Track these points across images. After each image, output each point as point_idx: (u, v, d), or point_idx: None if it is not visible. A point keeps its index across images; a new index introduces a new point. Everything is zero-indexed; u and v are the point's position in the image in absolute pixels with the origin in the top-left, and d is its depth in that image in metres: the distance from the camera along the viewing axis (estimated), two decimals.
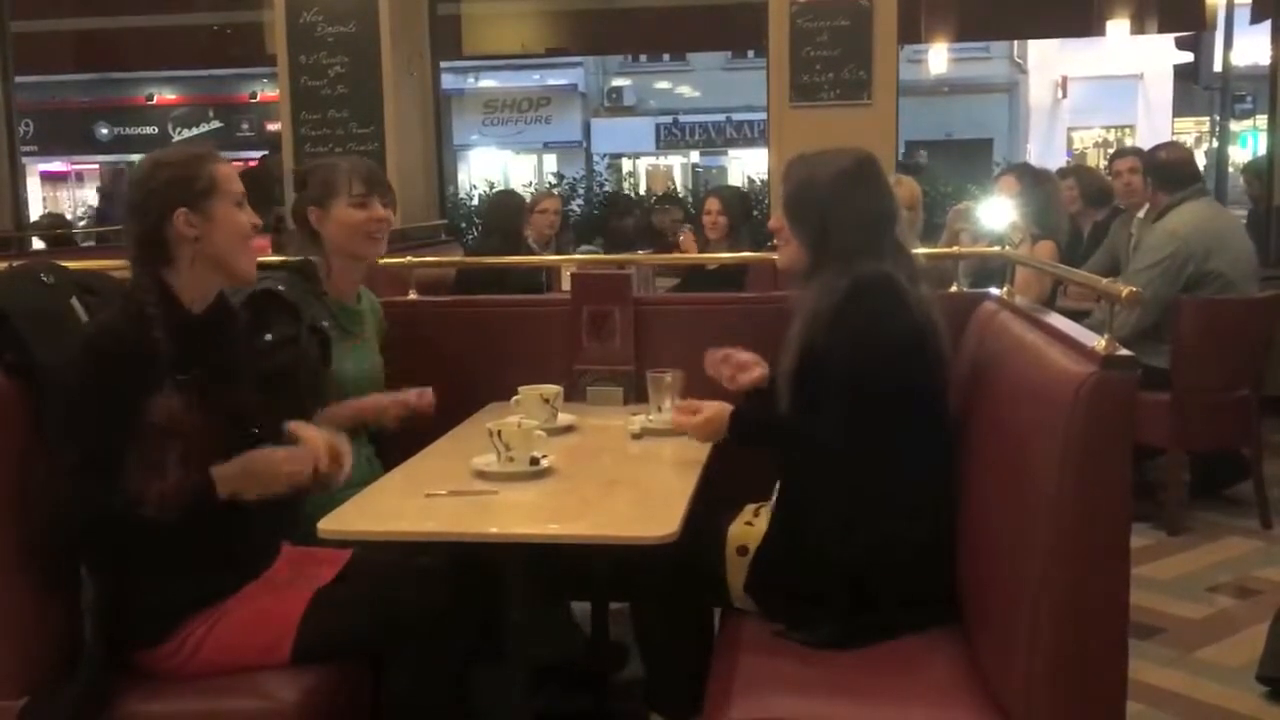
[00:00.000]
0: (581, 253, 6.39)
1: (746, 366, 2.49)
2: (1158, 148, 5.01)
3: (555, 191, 8.62)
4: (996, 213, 4.83)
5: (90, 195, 20.93)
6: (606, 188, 11.19)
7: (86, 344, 2.02)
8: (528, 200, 6.17)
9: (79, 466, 1.94)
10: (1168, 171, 4.62)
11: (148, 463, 1.92)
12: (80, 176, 21.90)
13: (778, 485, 2.38)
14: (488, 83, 20.66)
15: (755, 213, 6.68)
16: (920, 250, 3.49)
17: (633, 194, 11.06)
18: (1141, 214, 5.16)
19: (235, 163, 2.35)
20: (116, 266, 2.35)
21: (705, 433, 2.32)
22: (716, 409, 2.31)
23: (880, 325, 2.18)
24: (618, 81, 21.38)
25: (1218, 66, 11.22)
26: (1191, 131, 18.30)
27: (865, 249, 2.25)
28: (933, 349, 2.22)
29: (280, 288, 2.46)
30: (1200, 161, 6.17)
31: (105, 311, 2.13)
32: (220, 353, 2.13)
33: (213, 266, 2.12)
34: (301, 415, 2.23)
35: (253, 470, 2.01)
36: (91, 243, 8.53)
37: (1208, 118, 15.87)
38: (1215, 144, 11.00)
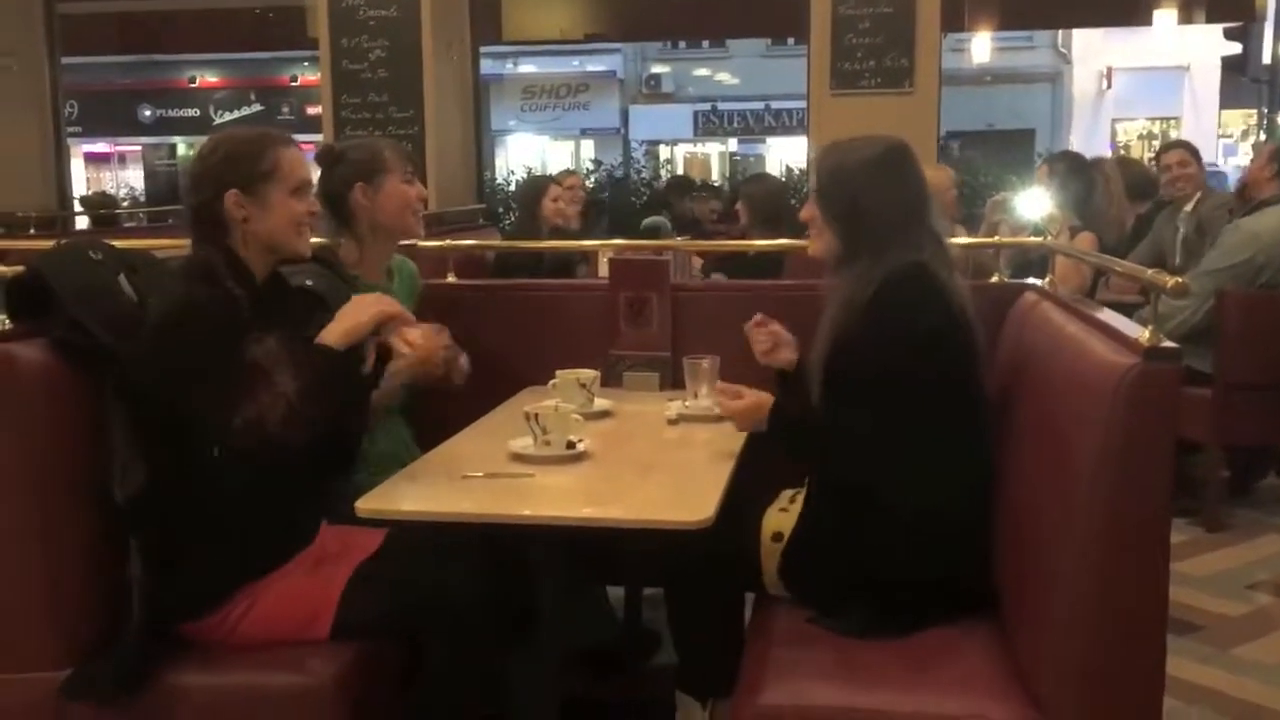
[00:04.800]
0: (651, 224, 6.39)
1: (781, 342, 2.52)
2: None
3: (585, 170, 8.61)
4: (1034, 203, 4.78)
5: (133, 176, 21.17)
6: (644, 174, 11.18)
7: (168, 316, 2.04)
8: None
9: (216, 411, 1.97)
10: None
11: (261, 393, 1.99)
12: (123, 158, 22.13)
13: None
14: (526, 68, 20.68)
15: (793, 201, 6.65)
16: (960, 240, 3.48)
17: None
18: (1189, 207, 5.07)
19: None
20: (162, 245, 2.38)
21: (746, 420, 2.30)
22: (759, 397, 2.29)
23: (914, 316, 2.16)
24: (656, 68, 21.34)
25: (1267, 58, 11.07)
26: (1239, 124, 18.05)
27: (898, 238, 2.23)
28: (965, 339, 2.20)
29: (309, 282, 2.43)
30: (1246, 155, 6.01)
31: (174, 281, 2.16)
32: (283, 320, 2.16)
33: (264, 245, 2.16)
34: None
35: (345, 312, 2.12)
36: (133, 223, 8.62)
37: (1255, 110, 15.66)
38: (1262, 137, 10.84)
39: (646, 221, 6.55)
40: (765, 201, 5.26)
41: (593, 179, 10.30)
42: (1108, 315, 2.07)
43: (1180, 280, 1.93)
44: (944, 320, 2.17)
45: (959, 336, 2.19)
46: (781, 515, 2.32)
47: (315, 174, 2.41)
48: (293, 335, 2.11)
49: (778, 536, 2.27)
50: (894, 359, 2.13)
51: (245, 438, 1.96)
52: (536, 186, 5.94)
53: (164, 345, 2.02)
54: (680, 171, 18.09)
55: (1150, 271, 2.02)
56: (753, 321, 2.55)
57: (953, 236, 2.92)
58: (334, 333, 2.10)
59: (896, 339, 2.15)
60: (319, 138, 7.19)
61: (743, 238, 5.32)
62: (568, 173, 6.66)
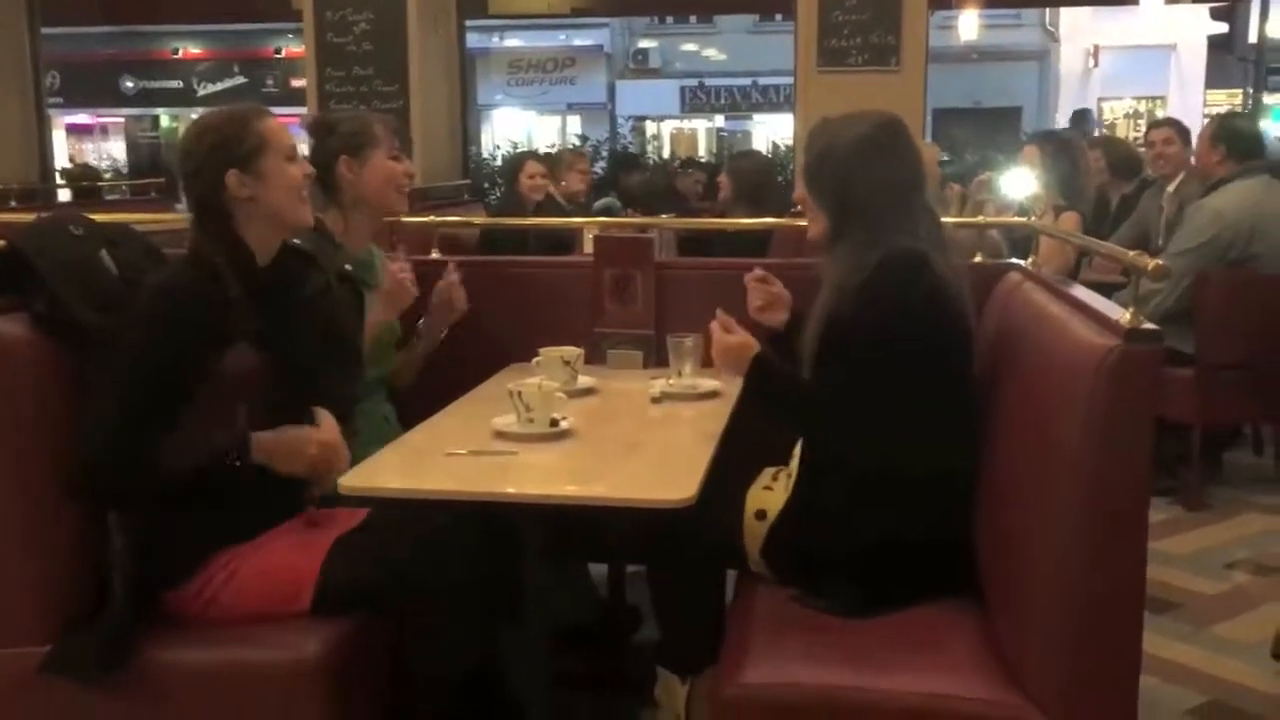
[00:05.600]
0: (601, 205, 6.38)
1: (777, 301, 2.51)
2: (1234, 115, 4.92)
3: (573, 145, 8.60)
4: (1018, 183, 4.79)
5: (115, 148, 21.02)
6: (631, 149, 11.17)
7: (155, 299, 2.05)
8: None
9: (136, 418, 1.99)
10: (1243, 142, 4.52)
11: (215, 415, 2.00)
12: (105, 130, 21.95)
13: (798, 451, 2.37)
14: (513, 42, 20.56)
15: (780, 179, 6.63)
16: (945, 220, 3.49)
17: (655, 156, 11.03)
18: (1172, 187, 5.08)
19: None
20: (144, 220, 2.36)
21: (729, 358, 2.28)
22: (747, 338, 2.28)
23: (908, 298, 2.15)
24: (643, 43, 21.25)
25: (1253, 38, 11.08)
26: (1224, 104, 18.04)
27: (892, 219, 2.21)
28: (959, 322, 2.20)
29: (296, 241, 2.44)
30: None
31: (170, 267, 2.17)
32: (285, 305, 2.18)
33: (272, 220, 2.18)
34: (355, 364, 2.36)
35: (285, 445, 2.11)
36: (115, 196, 8.55)
37: (1241, 90, 15.67)
38: None
39: (598, 205, 6.54)
40: (750, 177, 5.22)
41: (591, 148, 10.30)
42: (1090, 296, 2.07)
43: (1161, 263, 1.94)
44: (939, 301, 2.16)
45: (952, 321, 2.18)
46: (765, 493, 2.33)
47: (300, 143, 2.41)
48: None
49: (760, 515, 2.28)
50: (887, 341, 2.13)
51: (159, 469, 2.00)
52: (515, 163, 5.96)
53: (137, 336, 2.02)
54: (667, 148, 18.05)
55: (1131, 253, 2.02)
56: (753, 275, 2.53)
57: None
58: (268, 451, 2.10)
59: (890, 323, 2.14)
60: (303, 110, 7.14)
61: (722, 213, 5.31)
62: (575, 154, 6.62)
